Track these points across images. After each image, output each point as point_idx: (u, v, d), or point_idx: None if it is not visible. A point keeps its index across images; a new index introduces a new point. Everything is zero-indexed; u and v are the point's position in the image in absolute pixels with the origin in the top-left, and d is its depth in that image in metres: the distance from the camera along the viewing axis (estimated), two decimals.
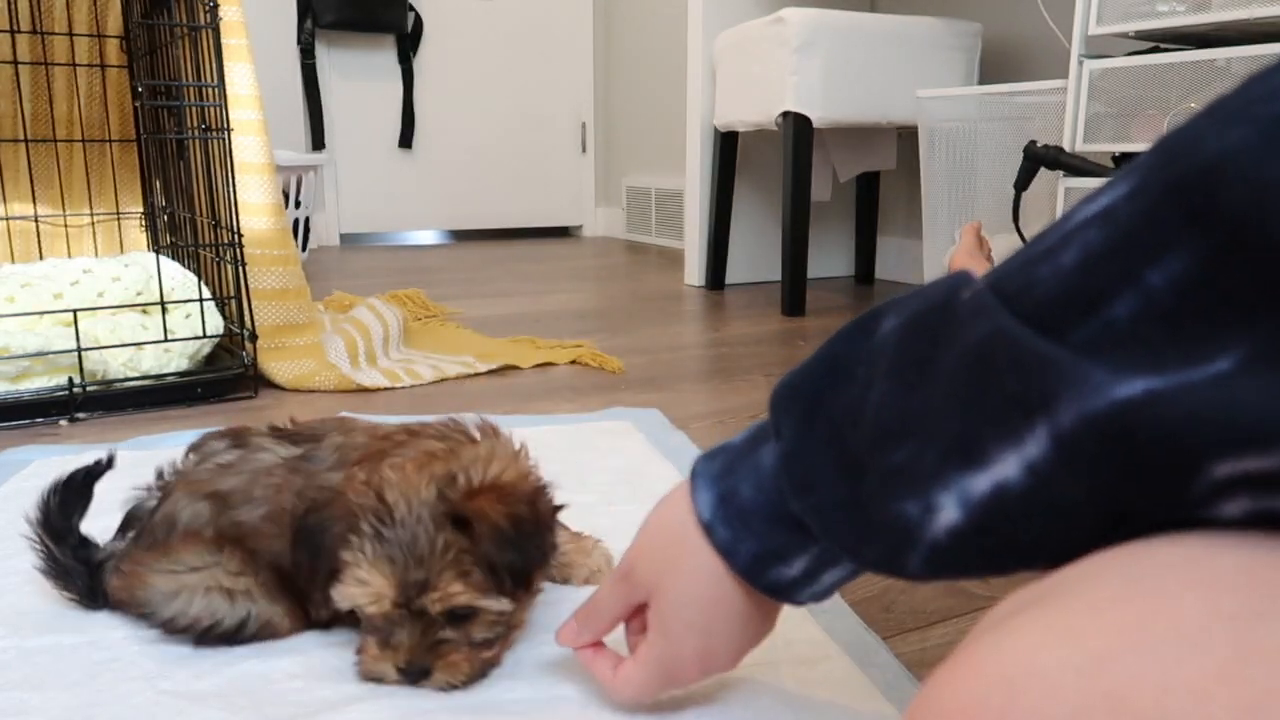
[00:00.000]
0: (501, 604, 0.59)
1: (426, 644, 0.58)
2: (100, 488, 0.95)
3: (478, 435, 0.66)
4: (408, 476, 0.59)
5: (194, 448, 0.69)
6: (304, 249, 3.09)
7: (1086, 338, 0.28)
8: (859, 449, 0.38)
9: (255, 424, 0.72)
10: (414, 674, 0.59)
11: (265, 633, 0.65)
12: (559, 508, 0.65)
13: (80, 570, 0.68)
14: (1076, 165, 1.55)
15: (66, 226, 1.78)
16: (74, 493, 0.68)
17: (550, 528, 0.63)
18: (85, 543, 0.69)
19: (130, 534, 0.67)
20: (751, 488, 0.44)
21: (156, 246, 1.80)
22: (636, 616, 0.53)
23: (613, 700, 0.56)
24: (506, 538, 0.57)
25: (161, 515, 0.64)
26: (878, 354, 0.38)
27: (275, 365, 1.42)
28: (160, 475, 0.69)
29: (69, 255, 1.77)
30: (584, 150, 4.22)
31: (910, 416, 0.35)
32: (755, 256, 2.58)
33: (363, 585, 0.57)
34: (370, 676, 0.60)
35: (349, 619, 0.65)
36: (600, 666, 0.55)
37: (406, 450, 0.62)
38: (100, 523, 0.84)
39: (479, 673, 0.60)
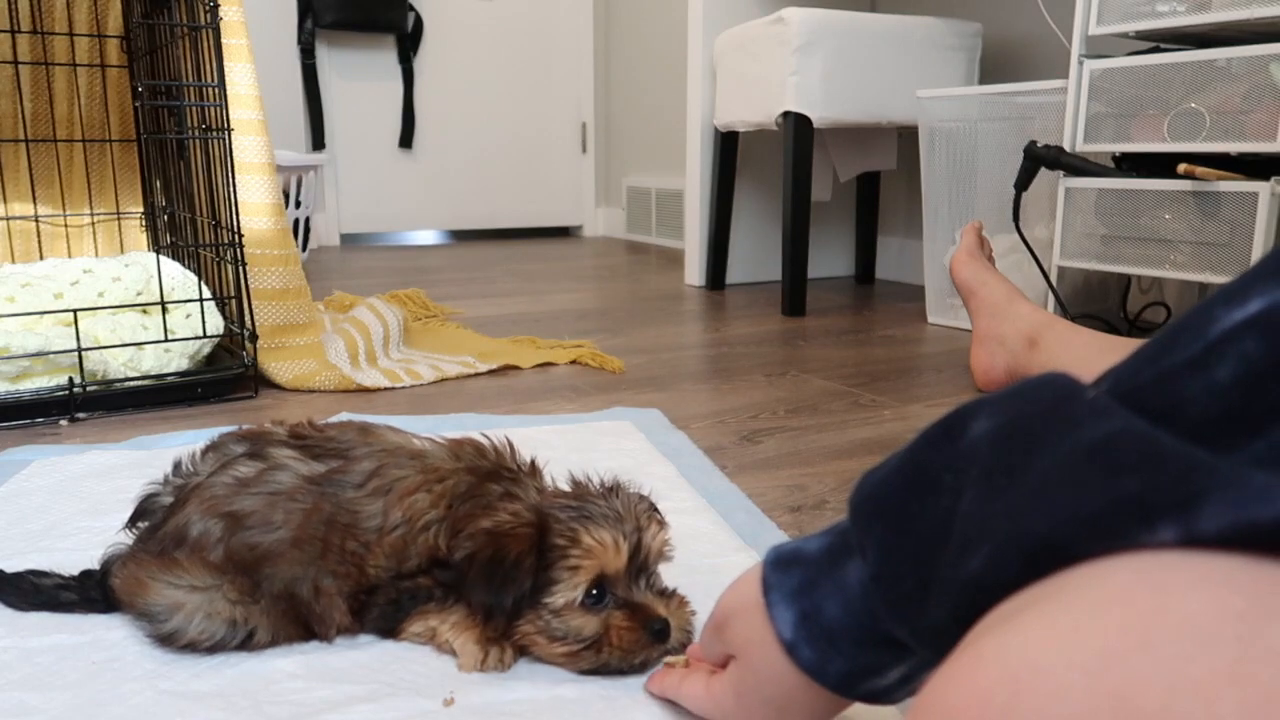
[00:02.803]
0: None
1: (656, 595, 0.62)
2: (102, 488, 0.96)
3: (526, 474, 0.68)
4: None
5: (212, 447, 0.68)
6: (304, 249, 3.09)
7: (1253, 457, 0.26)
8: (948, 566, 0.34)
9: (263, 424, 0.70)
10: (659, 630, 0.60)
11: (267, 648, 0.65)
12: None
13: (73, 594, 0.69)
14: (1077, 165, 1.55)
15: (67, 226, 1.78)
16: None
17: None
18: (64, 584, 0.70)
19: (142, 525, 0.67)
20: (838, 607, 0.41)
21: (157, 246, 1.80)
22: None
23: (688, 707, 0.55)
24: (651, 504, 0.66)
25: (173, 526, 0.64)
26: (967, 459, 0.34)
27: (275, 365, 1.42)
28: (178, 469, 0.68)
29: (69, 255, 1.77)
30: (584, 150, 4.22)
31: (988, 521, 0.31)
32: (755, 256, 2.58)
33: (591, 554, 0.59)
34: (630, 656, 0.60)
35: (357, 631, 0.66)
36: (669, 677, 0.55)
37: (492, 508, 0.63)
38: (102, 522, 0.85)
39: (692, 620, 0.63)
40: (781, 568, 0.45)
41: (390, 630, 0.65)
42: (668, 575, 0.64)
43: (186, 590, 0.62)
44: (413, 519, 0.63)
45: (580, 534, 0.59)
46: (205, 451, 0.68)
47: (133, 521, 0.68)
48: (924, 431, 0.37)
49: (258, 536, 0.62)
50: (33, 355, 1.25)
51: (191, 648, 0.63)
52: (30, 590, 0.70)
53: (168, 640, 0.63)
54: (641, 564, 0.61)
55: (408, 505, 0.63)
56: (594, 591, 0.60)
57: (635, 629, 0.59)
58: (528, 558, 0.59)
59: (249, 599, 0.62)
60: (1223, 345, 0.27)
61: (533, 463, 0.69)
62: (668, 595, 0.62)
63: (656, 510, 0.66)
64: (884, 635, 0.39)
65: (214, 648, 0.63)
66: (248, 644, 0.63)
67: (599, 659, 0.60)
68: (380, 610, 0.65)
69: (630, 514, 0.62)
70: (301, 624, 0.64)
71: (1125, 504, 0.26)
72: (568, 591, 0.59)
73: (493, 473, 0.66)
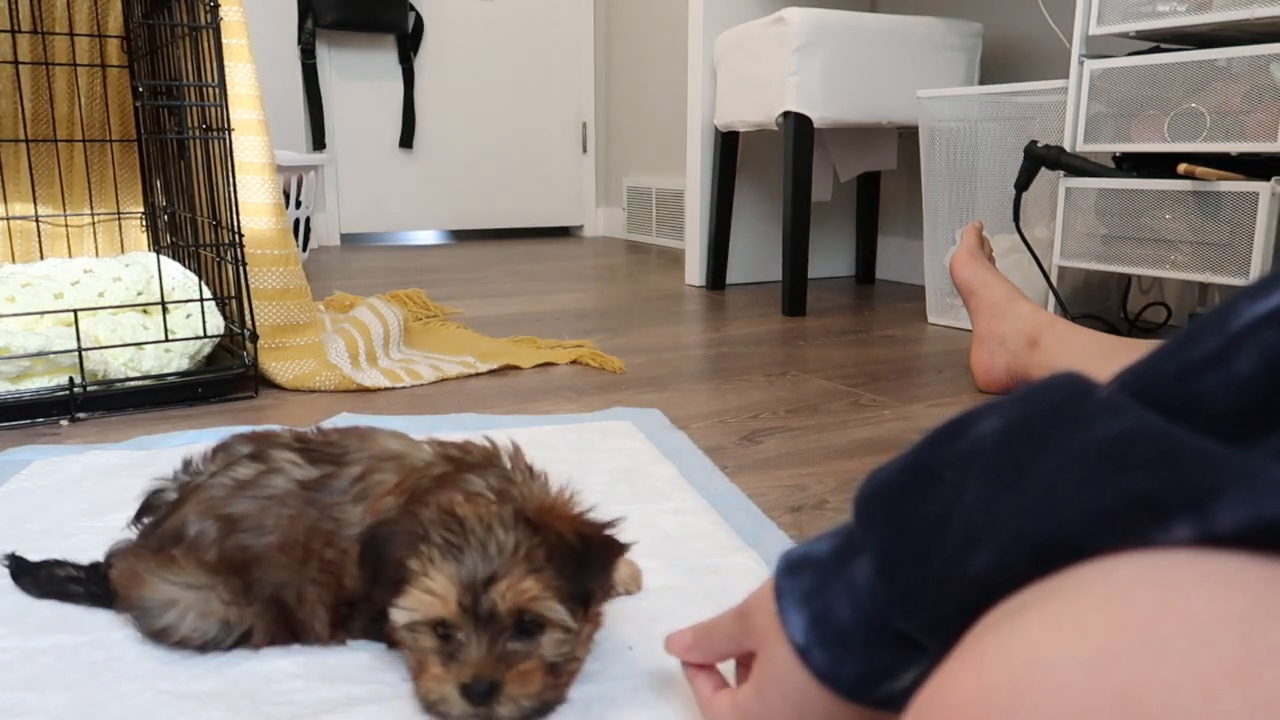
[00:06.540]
0: (569, 617, 0.54)
1: (495, 655, 0.53)
2: (102, 488, 0.95)
3: (519, 474, 0.63)
4: (475, 501, 0.57)
5: (221, 447, 0.68)
6: (304, 249, 3.09)
7: (1271, 451, 0.26)
8: (946, 562, 0.34)
9: (266, 425, 0.70)
10: (480, 692, 0.52)
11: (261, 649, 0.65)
12: (625, 546, 0.60)
13: (80, 586, 0.70)
14: (1077, 165, 1.55)
15: (67, 226, 1.78)
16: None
17: (616, 557, 0.59)
18: (74, 576, 0.72)
19: (146, 520, 0.67)
20: (848, 607, 0.41)
21: (157, 246, 1.80)
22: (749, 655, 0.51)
23: None
24: (575, 551, 0.55)
25: (171, 525, 0.64)
26: (971, 456, 0.34)
27: (276, 365, 1.42)
28: (187, 467, 0.67)
29: (70, 255, 1.77)
30: (584, 150, 4.22)
31: (995, 518, 0.30)
32: (756, 256, 2.58)
33: (427, 592, 0.53)
34: (430, 702, 0.55)
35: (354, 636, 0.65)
36: (701, 684, 0.54)
37: (450, 491, 0.59)
38: (103, 522, 0.85)
39: (550, 696, 0.55)
40: (792, 573, 0.44)
41: (382, 637, 0.64)
42: (668, 575, 0.63)
43: (181, 588, 0.62)
44: None
45: (430, 569, 0.54)
46: (215, 452, 0.68)
47: (138, 517, 0.68)
48: (930, 430, 0.37)
49: (249, 540, 0.62)
50: (33, 355, 1.25)
51: (183, 645, 0.63)
52: (45, 580, 0.71)
53: (159, 636, 0.63)
54: (488, 617, 0.53)
55: (378, 512, 0.61)
56: (438, 628, 0.54)
57: (441, 679, 0.54)
58: (400, 535, 0.55)
59: (242, 600, 0.62)
60: (1243, 338, 0.27)
61: (514, 453, 0.65)
62: (519, 657, 0.54)
63: (550, 550, 0.55)
64: (895, 633, 0.39)
65: (205, 646, 0.63)
66: (241, 645, 0.63)
67: (415, 682, 0.57)
68: (363, 625, 0.64)
69: (508, 555, 0.54)
70: (291, 629, 0.64)
71: (1136, 502, 0.26)
72: (400, 614, 0.55)
73: (471, 467, 0.62)
